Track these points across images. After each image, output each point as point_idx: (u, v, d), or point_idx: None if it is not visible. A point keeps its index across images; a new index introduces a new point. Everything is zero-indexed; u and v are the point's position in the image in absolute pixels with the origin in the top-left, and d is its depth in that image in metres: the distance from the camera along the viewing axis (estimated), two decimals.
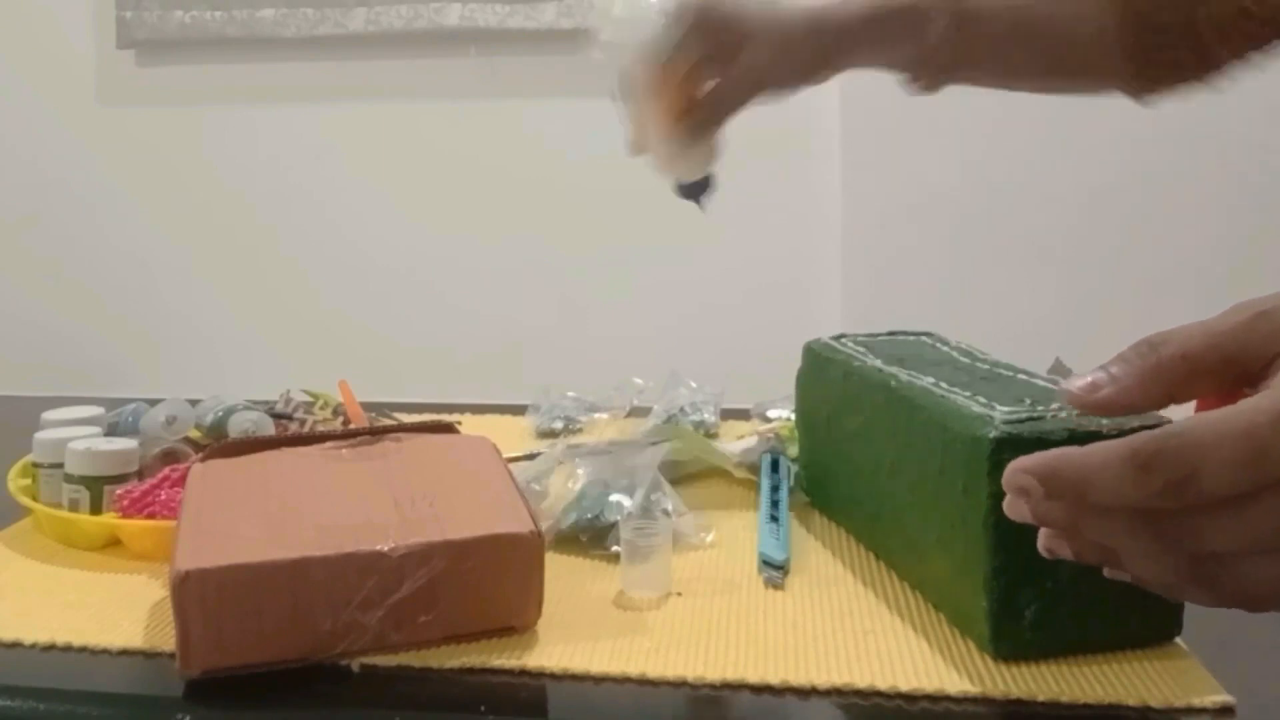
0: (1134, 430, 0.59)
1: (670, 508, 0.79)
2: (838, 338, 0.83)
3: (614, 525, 0.75)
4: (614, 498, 0.78)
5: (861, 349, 0.79)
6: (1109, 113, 1.64)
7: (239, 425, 0.94)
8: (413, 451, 0.77)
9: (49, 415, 0.92)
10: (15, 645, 0.65)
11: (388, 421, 0.99)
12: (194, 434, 0.96)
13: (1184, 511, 0.42)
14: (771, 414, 1.08)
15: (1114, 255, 1.83)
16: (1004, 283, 1.88)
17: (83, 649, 0.64)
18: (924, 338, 0.83)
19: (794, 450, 0.89)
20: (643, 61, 0.81)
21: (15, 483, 0.86)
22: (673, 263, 2.13)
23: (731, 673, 0.60)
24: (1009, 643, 0.60)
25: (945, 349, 0.79)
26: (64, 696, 0.61)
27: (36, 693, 0.61)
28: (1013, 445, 0.58)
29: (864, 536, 0.78)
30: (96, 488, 0.81)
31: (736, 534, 0.80)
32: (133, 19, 2.23)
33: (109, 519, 0.80)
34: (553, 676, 0.60)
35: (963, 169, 1.84)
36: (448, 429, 0.84)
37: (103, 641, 0.64)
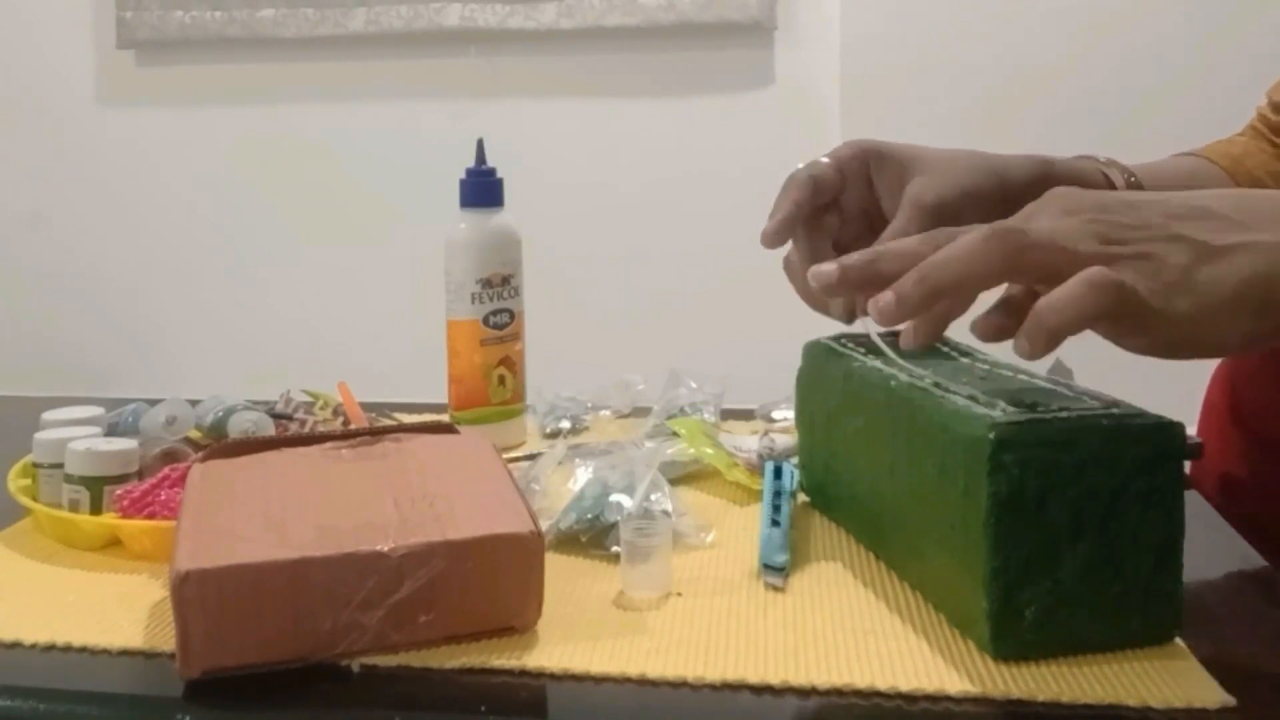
0: (1139, 425, 0.60)
1: (670, 508, 0.79)
2: (838, 338, 0.83)
3: (614, 525, 0.75)
4: (614, 498, 0.78)
5: (861, 349, 0.79)
6: (1111, 115, 1.64)
7: (239, 425, 0.94)
8: (413, 451, 0.77)
9: (49, 415, 0.92)
10: (15, 645, 0.65)
11: (388, 421, 0.99)
12: (194, 434, 0.96)
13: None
14: (776, 415, 1.08)
15: None
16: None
17: (83, 649, 0.64)
18: None
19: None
20: None
21: (15, 483, 0.86)
22: (673, 262, 2.13)
23: (731, 673, 0.60)
24: (1009, 643, 0.60)
25: (945, 349, 0.79)
26: (64, 696, 0.61)
27: (36, 693, 0.61)
28: (1013, 445, 0.58)
29: (864, 536, 0.78)
30: (96, 488, 0.81)
31: (736, 534, 0.80)
32: (133, 19, 2.23)
33: (109, 519, 0.80)
34: (553, 676, 0.60)
35: None
36: (448, 429, 0.84)
37: (103, 641, 0.64)
